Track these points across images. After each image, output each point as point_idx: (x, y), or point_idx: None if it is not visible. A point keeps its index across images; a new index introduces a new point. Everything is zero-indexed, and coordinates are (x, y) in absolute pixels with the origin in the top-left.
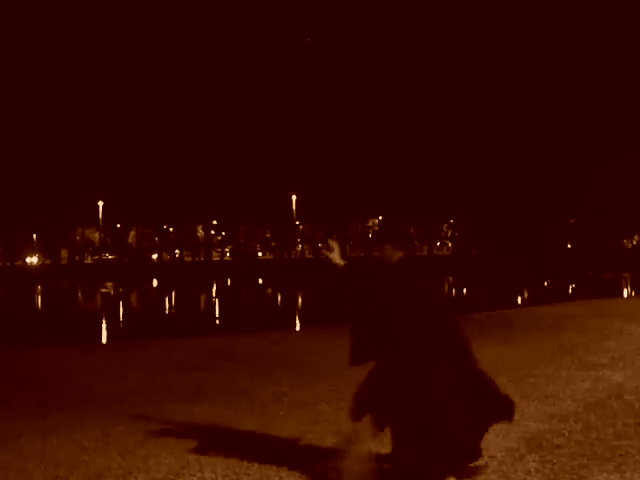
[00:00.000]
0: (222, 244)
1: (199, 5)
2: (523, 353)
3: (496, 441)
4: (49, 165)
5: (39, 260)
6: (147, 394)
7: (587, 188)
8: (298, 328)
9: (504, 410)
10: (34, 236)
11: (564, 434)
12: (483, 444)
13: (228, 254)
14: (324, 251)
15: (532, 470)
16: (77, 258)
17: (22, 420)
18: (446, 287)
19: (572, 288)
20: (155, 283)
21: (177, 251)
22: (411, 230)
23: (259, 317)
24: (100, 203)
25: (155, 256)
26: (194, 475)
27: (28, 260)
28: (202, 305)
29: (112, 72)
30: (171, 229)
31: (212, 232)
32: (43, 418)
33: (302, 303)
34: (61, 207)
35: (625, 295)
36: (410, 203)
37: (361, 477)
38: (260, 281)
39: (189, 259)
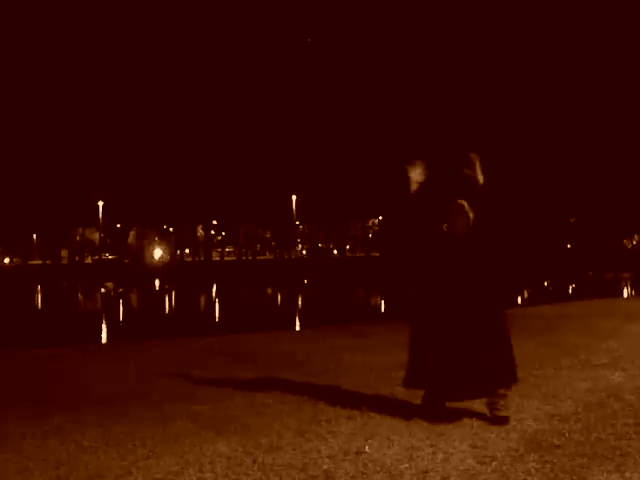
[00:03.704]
0: (222, 244)
1: (199, 5)
2: (523, 353)
3: (496, 441)
4: (49, 165)
5: (10, 261)
6: (147, 394)
7: (587, 188)
8: (298, 328)
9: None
10: (34, 236)
11: (564, 434)
12: (482, 444)
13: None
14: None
15: (532, 470)
16: (77, 258)
17: (22, 420)
18: None
19: (572, 288)
20: (157, 283)
21: (178, 251)
22: None
23: (260, 317)
24: (100, 203)
25: None
26: (194, 475)
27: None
28: (203, 305)
29: (112, 72)
30: (171, 229)
31: (212, 232)
32: (43, 418)
33: (303, 303)
34: (61, 207)
35: (625, 295)
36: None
37: None
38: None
39: (189, 259)
